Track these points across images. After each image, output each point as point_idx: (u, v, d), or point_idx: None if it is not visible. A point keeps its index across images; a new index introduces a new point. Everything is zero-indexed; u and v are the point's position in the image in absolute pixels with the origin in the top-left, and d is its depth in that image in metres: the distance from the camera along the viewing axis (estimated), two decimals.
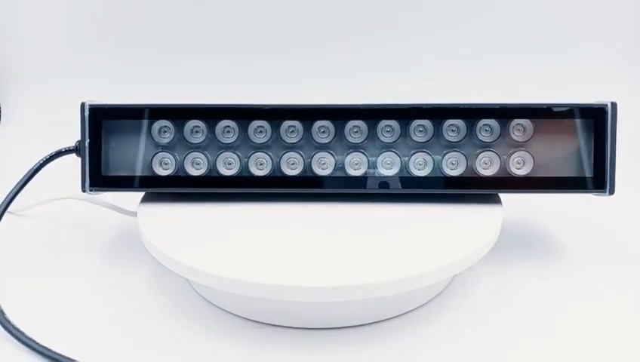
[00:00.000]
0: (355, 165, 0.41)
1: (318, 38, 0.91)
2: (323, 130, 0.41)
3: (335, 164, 0.41)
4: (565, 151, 0.39)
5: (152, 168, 0.41)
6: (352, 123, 0.40)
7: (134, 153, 0.42)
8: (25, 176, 0.46)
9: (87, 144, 0.41)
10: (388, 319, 0.37)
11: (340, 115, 0.40)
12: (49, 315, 0.39)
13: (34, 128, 0.84)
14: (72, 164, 0.52)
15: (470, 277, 0.42)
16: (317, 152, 0.41)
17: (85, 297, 0.41)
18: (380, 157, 0.40)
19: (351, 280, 0.32)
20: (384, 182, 0.40)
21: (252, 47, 0.91)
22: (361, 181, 0.41)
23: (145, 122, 0.41)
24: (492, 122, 0.40)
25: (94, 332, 0.37)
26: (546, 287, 0.41)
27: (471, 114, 0.40)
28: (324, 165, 0.41)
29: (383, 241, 0.36)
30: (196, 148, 0.41)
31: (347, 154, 0.41)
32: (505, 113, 0.40)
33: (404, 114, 0.40)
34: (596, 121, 0.39)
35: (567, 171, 0.40)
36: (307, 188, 0.41)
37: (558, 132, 0.39)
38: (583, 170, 0.39)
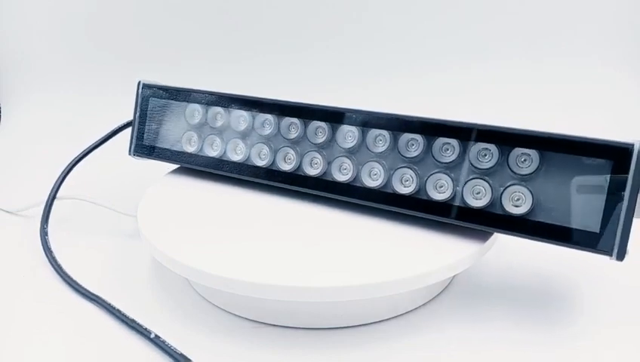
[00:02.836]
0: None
1: (318, 37, 0.91)
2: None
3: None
4: (570, 196, 0.32)
5: (181, 144, 0.47)
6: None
7: (170, 129, 0.48)
8: (96, 142, 0.51)
9: (137, 116, 0.49)
10: (387, 319, 0.37)
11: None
12: (49, 315, 0.39)
13: (34, 128, 0.84)
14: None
15: (470, 277, 0.42)
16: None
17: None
18: (366, 167, 0.39)
19: (350, 280, 0.32)
20: (369, 192, 0.39)
21: (254, 44, 0.91)
22: (345, 187, 0.40)
23: (181, 104, 0.47)
24: (492, 147, 0.34)
25: (94, 332, 0.37)
26: (544, 289, 0.41)
27: (467, 134, 0.35)
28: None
29: (383, 242, 0.36)
30: (217, 132, 0.46)
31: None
32: (509, 139, 0.34)
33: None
34: (616, 164, 0.31)
35: (569, 220, 0.32)
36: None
37: (568, 169, 0.32)
38: (589, 222, 0.32)
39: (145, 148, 0.49)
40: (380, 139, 0.38)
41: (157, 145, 0.48)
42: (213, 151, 0.46)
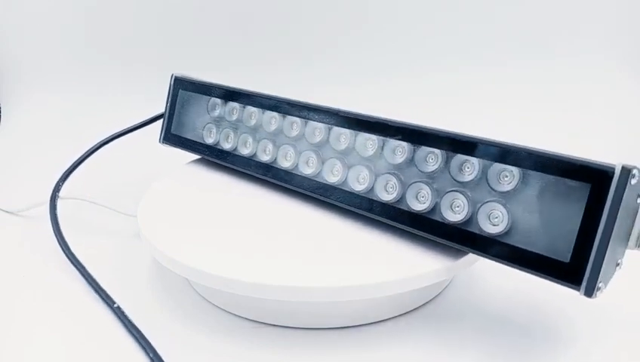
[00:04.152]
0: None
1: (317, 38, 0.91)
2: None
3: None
4: (545, 219, 0.29)
5: (202, 135, 0.49)
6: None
7: (194, 121, 0.50)
8: (128, 128, 0.54)
9: (167, 106, 0.52)
10: (387, 319, 0.37)
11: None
12: (49, 315, 0.39)
13: (34, 128, 0.84)
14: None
15: (470, 277, 0.42)
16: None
17: (85, 297, 0.41)
18: (353, 171, 0.38)
19: (349, 280, 0.32)
20: (354, 197, 0.38)
21: (253, 45, 0.91)
22: (333, 189, 0.39)
23: (205, 97, 0.49)
24: (473, 160, 0.32)
25: (94, 332, 0.37)
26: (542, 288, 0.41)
27: (448, 144, 0.33)
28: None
29: (382, 242, 0.36)
30: (232, 126, 0.47)
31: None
32: (487, 152, 0.32)
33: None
34: (594, 189, 0.27)
35: (541, 246, 0.29)
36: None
37: (546, 190, 0.29)
38: (560, 251, 0.28)
39: (172, 136, 0.52)
40: (370, 144, 0.38)
41: (182, 135, 0.51)
42: (227, 144, 0.47)
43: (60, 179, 0.51)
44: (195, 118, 0.50)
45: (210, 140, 0.49)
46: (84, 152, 0.52)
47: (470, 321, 0.37)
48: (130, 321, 0.36)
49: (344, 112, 0.39)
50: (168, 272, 0.43)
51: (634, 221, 0.29)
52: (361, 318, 0.37)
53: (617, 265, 0.29)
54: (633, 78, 0.87)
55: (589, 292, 0.27)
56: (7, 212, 0.55)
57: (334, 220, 0.39)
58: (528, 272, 0.30)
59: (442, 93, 0.89)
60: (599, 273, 0.27)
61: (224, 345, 0.35)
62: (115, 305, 0.38)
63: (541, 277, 0.29)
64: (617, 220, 0.27)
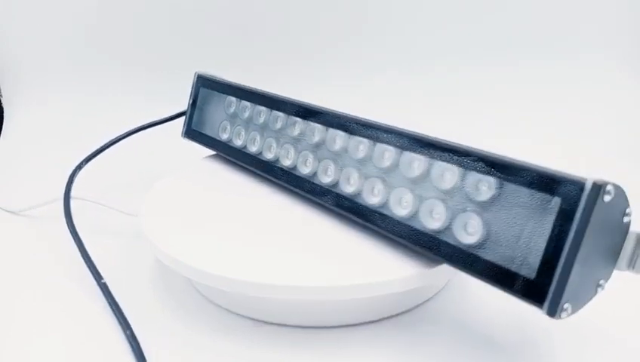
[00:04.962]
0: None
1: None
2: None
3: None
4: (516, 232, 0.27)
5: (218, 132, 0.50)
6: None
7: (212, 117, 0.52)
8: (150, 123, 0.56)
9: (190, 103, 0.54)
10: (386, 318, 0.37)
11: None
12: (49, 315, 0.39)
13: (34, 128, 0.84)
14: (74, 165, 0.52)
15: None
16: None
17: (86, 297, 0.41)
18: (345, 173, 0.38)
19: (350, 279, 0.32)
20: (343, 199, 0.37)
21: (253, 45, 0.91)
22: (325, 191, 0.39)
23: (222, 95, 0.51)
24: (452, 168, 0.31)
25: (95, 332, 0.37)
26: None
27: (431, 150, 0.32)
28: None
29: (382, 243, 0.36)
30: (244, 123, 0.48)
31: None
32: (465, 159, 0.30)
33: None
34: (564, 203, 0.26)
35: (508, 260, 0.27)
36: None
37: (521, 202, 0.27)
38: (527, 267, 0.27)
39: (192, 132, 0.54)
40: (361, 146, 0.37)
41: (201, 130, 0.53)
42: (239, 141, 0.48)
43: (77, 166, 0.52)
44: (213, 115, 0.52)
45: (224, 137, 0.50)
46: (107, 141, 0.54)
47: (469, 321, 0.37)
48: (113, 298, 0.38)
49: (337, 115, 0.39)
50: (170, 272, 0.43)
51: (621, 241, 0.27)
52: (361, 317, 0.37)
53: (598, 286, 0.28)
54: (633, 78, 0.87)
55: (552, 312, 0.26)
56: (7, 212, 0.55)
57: (337, 221, 0.39)
58: (496, 287, 0.28)
59: (442, 93, 0.89)
60: (563, 292, 0.25)
61: (225, 344, 0.35)
62: (102, 281, 0.39)
63: (508, 292, 0.28)
64: (591, 238, 0.25)
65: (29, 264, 0.46)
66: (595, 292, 0.28)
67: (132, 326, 0.36)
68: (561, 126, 0.79)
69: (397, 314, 0.38)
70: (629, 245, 0.28)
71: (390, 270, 0.33)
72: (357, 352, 0.34)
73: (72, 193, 0.49)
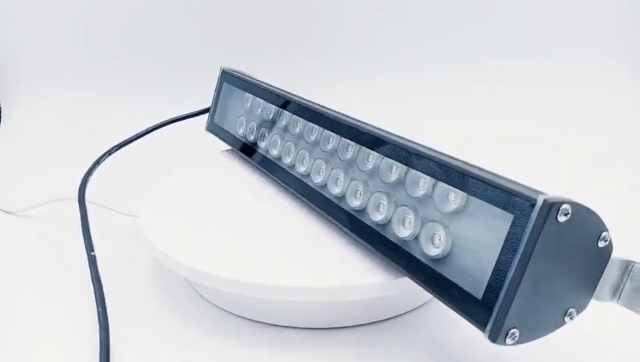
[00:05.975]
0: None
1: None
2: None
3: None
4: (473, 249, 0.26)
5: (235, 128, 0.51)
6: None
7: (231, 112, 0.53)
8: (172, 118, 0.57)
9: (214, 97, 0.56)
10: (386, 319, 0.37)
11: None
12: (49, 315, 0.39)
13: (34, 128, 0.84)
14: (73, 165, 0.52)
15: None
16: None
17: (85, 297, 0.41)
18: (334, 174, 0.37)
19: (350, 280, 0.32)
20: (328, 202, 0.37)
21: (252, 45, 0.91)
22: (316, 193, 0.39)
23: (242, 92, 0.52)
24: (424, 176, 0.29)
25: (95, 332, 0.37)
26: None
27: (404, 155, 0.31)
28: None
29: None
30: (257, 120, 0.49)
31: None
32: (432, 166, 0.29)
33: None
34: (515, 221, 0.24)
35: (461, 278, 0.26)
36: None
37: (481, 216, 0.26)
38: (476, 285, 0.25)
39: (214, 126, 0.55)
40: (350, 148, 0.36)
41: (221, 125, 0.54)
42: (251, 137, 0.49)
43: (97, 161, 0.52)
44: (233, 110, 0.52)
45: (239, 133, 0.50)
46: (134, 134, 0.54)
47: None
48: (97, 273, 0.38)
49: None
50: (168, 272, 0.43)
51: (599, 268, 0.25)
52: (361, 318, 0.37)
53: (567, 315, 0.26)
54: (633, 78, 0.87)
55: (494, 337, 0.24)
56: (7, 212, 0.55)
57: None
58: (444, 303, 0.26)
59: (442, 93, 0.89)
60: (507, 316, 0.23)
61: (224, 344, 0.35)
62: (92, 253, 0.39)
63: (455, 311, 0.26)
64: (545, 261, 0.23)
65: (28, 264, 0.46)
66: (563, 321, 0.26)
67: (131, 326, 0.36)
68: (561, 126, 0.79)
69: (394, 316, 0.38)
70: (611, 273, 0.25)
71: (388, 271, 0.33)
72: (357, 352, 0.34)
73: (71, 195, 0.49)
